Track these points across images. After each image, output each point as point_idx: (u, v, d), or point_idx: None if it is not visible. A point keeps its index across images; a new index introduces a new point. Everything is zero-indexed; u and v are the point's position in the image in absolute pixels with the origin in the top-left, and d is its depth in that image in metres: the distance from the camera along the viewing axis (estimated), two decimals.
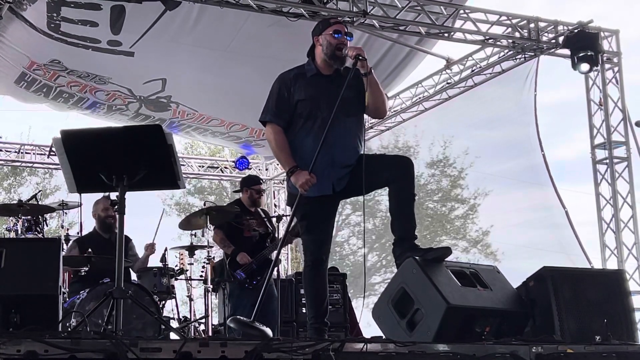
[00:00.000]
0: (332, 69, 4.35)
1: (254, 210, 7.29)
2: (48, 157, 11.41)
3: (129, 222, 4.00)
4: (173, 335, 5.85)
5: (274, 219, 7.43)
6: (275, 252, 6.95)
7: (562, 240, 9.20)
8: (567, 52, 8.81)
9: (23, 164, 12.73)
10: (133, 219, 6.81)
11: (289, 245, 11.47)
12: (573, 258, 8.68)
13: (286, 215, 7.58)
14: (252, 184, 7.36)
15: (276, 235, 7.31)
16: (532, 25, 8.91)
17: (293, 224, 4.33)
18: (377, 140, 12.00)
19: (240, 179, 8.49)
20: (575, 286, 4.36)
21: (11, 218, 6.95)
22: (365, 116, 4.48)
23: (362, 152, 4.38)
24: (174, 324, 7.03)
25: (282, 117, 4.30)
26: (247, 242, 7.08)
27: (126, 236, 7.00)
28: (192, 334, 6.73)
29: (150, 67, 9.16)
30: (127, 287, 4.25)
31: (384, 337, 3.91)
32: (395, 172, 4.23)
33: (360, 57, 4.16)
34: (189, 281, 7.33)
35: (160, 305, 6.58)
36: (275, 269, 11.86)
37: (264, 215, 7.44)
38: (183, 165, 12.16)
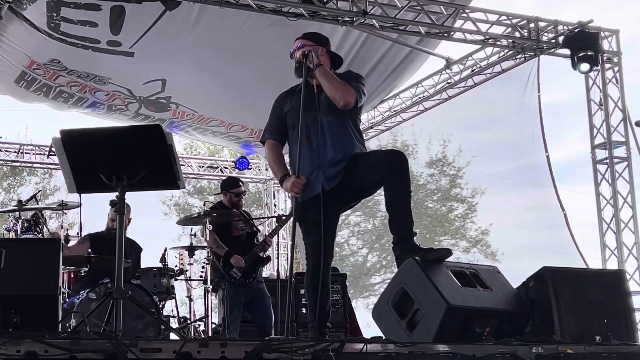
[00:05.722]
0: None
1: (237, 211, 7.30)
2: (48, 157, 11.37)
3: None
4: (173, 336, 5.84)
5: (273, 219, 7.45)
6: (265, 251, 7.15)
7: (559, 242, 9.19)
8: (567, 51, 8.82)
9: (22, 164, 12.71)
10: (133, 221, 6.86)
11: (289, 245, 11.48)
12: (570, 259, 8.66)
13: (285, 216, 7.64)
14: (230, 188, 7.29)
15: (258, 237, 7.37)
16: (532, 25, 8.91)
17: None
18: (376, 140, 11.98)
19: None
20: (575, 286, 4.36)
21: (11, 218, 6.95)
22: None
23: (356, 148, 4.40)
24: (174, 324, 7.03)
25: (278, 131, 4.51)
26: (236, 241, 7.10)
27: (137, 244, 7.05)
28: (192, 335, 6.73)
29: (149, 68, 9.14)
30: (127, 288, 4.25)
31: (383, 337, 3.90)
32: (388, 170, 4.22)
33: (306, 53, 4.33)
34: (189, 281, 7.32)
35: (160, 306, 6.59)
36: (274, 269, 12.02)
37: (247, 217, 7.48)
38: (183, 165, 12.14)
